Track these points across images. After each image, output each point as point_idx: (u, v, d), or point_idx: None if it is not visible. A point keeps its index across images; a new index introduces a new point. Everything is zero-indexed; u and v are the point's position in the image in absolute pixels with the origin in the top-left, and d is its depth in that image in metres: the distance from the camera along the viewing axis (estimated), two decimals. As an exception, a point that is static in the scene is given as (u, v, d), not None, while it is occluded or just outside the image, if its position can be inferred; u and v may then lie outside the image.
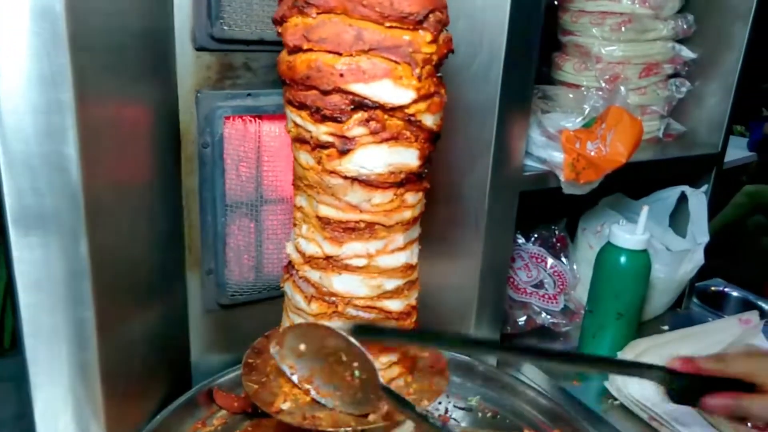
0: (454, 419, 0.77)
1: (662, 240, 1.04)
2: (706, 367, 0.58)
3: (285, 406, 0.59)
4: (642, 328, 0.96)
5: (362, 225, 0.56)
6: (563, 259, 1.07)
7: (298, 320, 0.61)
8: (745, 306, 1.19)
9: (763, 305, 1.17)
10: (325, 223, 0.56)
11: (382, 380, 0.57)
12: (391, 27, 0.50)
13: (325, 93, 0.51)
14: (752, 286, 1.26)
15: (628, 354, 0.87)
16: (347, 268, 0.57)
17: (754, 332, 0.93)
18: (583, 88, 0.99)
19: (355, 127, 0.51)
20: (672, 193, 1.06)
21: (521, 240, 1.06)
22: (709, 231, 1.02)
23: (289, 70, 0.53)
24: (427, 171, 0.57)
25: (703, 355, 0.59)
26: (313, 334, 0.58)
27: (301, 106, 0.53)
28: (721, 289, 1.26)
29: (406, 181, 0.55)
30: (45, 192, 0.52)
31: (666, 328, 1.05)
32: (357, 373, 0.57)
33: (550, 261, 1.05)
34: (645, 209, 0.86)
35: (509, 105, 0.76)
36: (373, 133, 0.52)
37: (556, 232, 1.09)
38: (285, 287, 0.63)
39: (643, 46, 0.98)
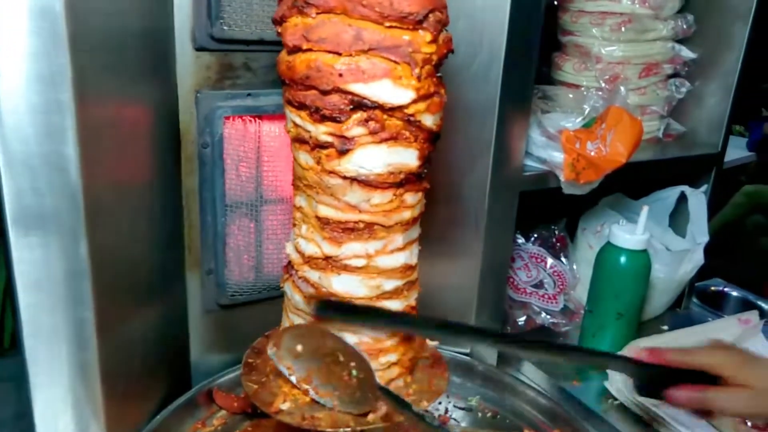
0: (454, 419, 0.77)
1: (662, 240, 1.04)
2: (672, 358, 0.57)
3: (284, 406, 0.59)
4: (642, 328, 0.96)
5: (361, 225, 0.56)
6: (563, 259, 1.07)
7: (298, 320, 0.61)
8: (745, 306, 1.19)
9: (763, 305, 1.17)
10: (324, 223, 0.56)
11: (379, 380, 0.57)
12: (390, 27, 0.49)
13: (325, 93, 0.51)
14: (752, 286, 1.26)
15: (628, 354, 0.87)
16: (346, 268, 0.57)
17: (753, 332, 0.93)
18: (583, 88, 0.99)
19: (354, 127, 0.51)
20: (672, 193, 1.06)
21: (521, 240, 1.06)
22: (708, 231, 1.02)
23: (288, 70, 0.53)
24: (427, 171, 0.57)
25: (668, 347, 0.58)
26: (310, 335, 0.59)
27: (301, 106, 0.53)
28: (720, 289, 1.26)
29: (405, 181, 0.55)
30: (45, 192, 0.52)
31: (666, 328, 1.05)
32: (354, 372, 0.57)
33: (549, 261, 1.05)
34: (645, 209, 0.86)
35: (509, 105, 0.76)
36: (373, 133, 0.52)
37: (556, 232, 1.09)
38: (285, 287, 0.63)
39: (643, 46, 0.98)
